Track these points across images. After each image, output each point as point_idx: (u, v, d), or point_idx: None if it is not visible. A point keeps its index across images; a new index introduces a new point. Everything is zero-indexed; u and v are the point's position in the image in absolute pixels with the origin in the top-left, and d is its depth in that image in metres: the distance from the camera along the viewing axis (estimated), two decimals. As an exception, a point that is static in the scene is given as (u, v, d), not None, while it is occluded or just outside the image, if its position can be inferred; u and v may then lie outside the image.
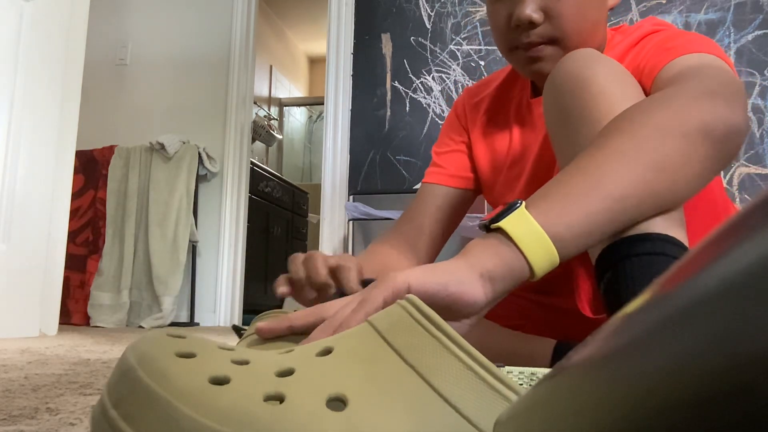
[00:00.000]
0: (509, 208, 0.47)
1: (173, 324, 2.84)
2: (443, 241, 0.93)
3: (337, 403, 0.26)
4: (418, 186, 2.37)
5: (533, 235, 0.46)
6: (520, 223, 0.46)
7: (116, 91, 3.29)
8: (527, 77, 0.85)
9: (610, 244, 0.53)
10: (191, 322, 2.92)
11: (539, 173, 0.81)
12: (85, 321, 2.82)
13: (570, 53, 0.64)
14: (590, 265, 0.58)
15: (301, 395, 0.26)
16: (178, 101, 3.21)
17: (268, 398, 0.26)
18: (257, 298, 3.55)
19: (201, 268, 3.05)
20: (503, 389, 0.24)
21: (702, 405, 0.12)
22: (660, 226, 0.52)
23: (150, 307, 2.85)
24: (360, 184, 2.55)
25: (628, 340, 0.16)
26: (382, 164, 2.55)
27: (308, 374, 0.27)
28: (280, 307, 3.60)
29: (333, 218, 2.55)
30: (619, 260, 0.52)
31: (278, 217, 3.99)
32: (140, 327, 2.72)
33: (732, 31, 2.23)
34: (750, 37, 2.21)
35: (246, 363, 0.28)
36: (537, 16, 0.72)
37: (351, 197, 2.26)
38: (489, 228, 0.48)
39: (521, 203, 0.47)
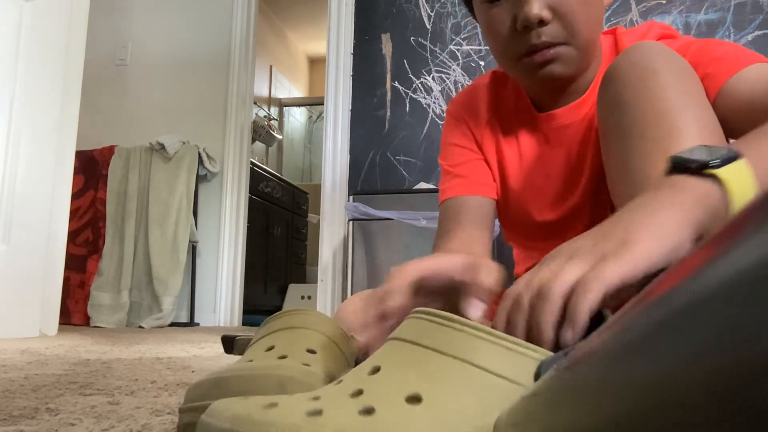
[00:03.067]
0: (715, 155, 0.41)
1: (173, 324, 2.84)
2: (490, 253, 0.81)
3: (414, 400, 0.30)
4: (418, 186, 2.39)
5: (745, 198, 0.41)
6: (741, 180, 0.41)
7: (116, 91, 3.30)
8: (532, 85, 0.81)
9: None
10: (191, 323, 2.92)
11: (567, 187, 0.79)
12: (85, 321, 2.82)
13: (634, 45, 0.62)
14: None
15: (384, 401, 0.30)
16: (178, 101, 3.21)
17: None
18: (257, 298, 3.55)
19: (201, 268, 3.05)
20: (526, 351, 0.30)
21: (702, 405, 0.12)
22: None
23: (150, 308, 2.85)
24: (360, 184, 2.55)
25: (628, 340, 0.16)
26: (382, 164, 2.55)
27: (380, 387, 0.31)
28: (280, 308, 3.57)
29: (333, 218, 2.55)
30: None
31: (278, 217, 3.99)
32: (140, 327, 2.72)
33: (732, 31, 2.23)
34: (750, 37, 2.21)
35: (319, 403, 0.32)
36: (546, 14, 0.68)
37: (351, 197, 2.26)
38: (687, 169, 0.42)
39: (735, 154, 0.42)
